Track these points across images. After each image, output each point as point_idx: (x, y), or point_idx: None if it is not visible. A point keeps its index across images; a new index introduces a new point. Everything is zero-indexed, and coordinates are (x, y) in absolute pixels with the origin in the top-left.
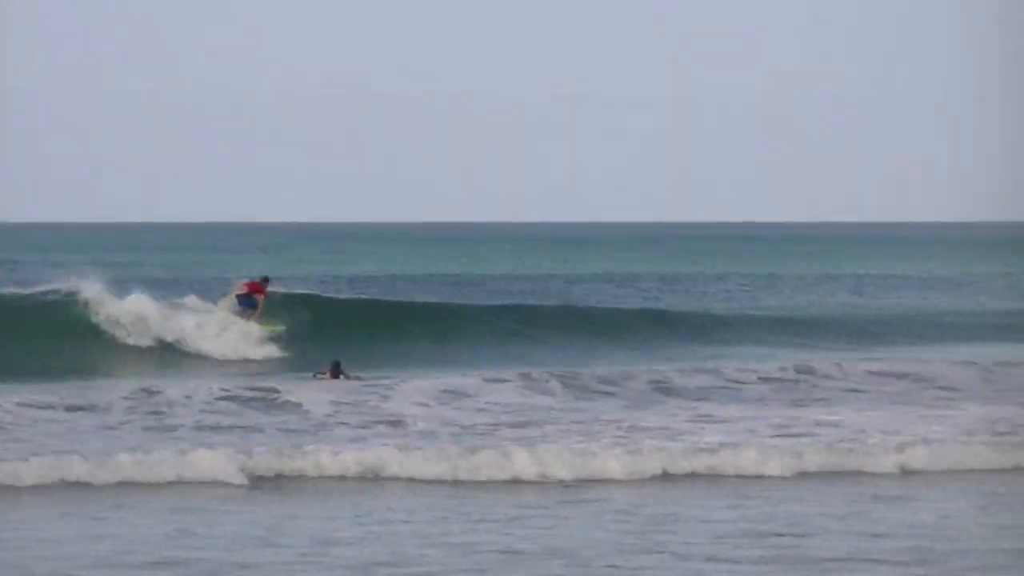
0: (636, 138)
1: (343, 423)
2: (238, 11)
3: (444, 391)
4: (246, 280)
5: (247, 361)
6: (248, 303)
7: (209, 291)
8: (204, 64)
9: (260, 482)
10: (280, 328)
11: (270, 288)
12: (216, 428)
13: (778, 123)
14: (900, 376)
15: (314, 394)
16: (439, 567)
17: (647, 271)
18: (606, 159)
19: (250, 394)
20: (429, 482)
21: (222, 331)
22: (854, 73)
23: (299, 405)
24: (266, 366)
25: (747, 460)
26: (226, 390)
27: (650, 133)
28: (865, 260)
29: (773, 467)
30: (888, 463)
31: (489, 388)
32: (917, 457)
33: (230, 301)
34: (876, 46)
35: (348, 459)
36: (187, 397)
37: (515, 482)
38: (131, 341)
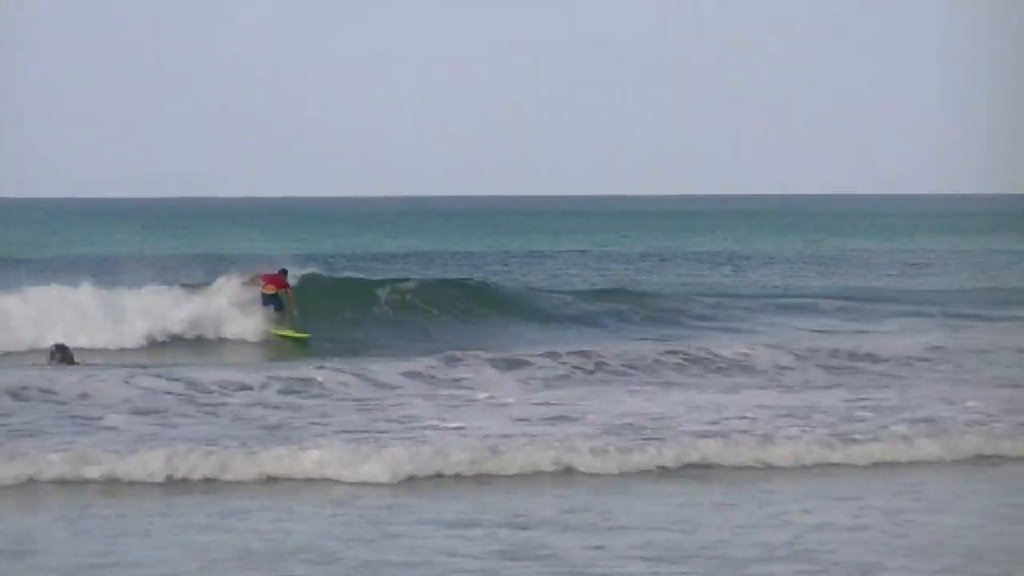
0: None
1: (39, 419)
2: None
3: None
4: (262, 275)
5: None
6: (273, 302)
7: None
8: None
9: None
10: (306, 335)
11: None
12: None
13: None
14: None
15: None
16: (164, 568)
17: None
18: None
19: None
20: (144, 483)
21: None
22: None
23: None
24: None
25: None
26: None
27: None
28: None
29: (508, 466)
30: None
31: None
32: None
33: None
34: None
35: (54, 458)
36: None
37: (240, 482)
38: None
